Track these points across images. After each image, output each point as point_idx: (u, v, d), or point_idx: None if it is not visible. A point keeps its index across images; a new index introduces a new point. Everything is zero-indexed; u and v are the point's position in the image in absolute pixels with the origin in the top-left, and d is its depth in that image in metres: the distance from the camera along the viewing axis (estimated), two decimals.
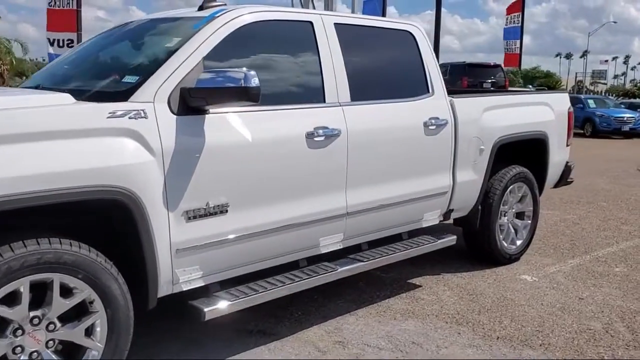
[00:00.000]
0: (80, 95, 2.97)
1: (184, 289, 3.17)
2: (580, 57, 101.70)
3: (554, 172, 5.70)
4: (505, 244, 5.27)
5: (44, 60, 21.37)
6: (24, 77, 20.15)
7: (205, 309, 3.15)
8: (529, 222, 5.48)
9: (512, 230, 5.35)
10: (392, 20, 4.62)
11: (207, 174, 3.09)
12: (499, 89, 20.31)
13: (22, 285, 2.56)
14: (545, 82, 48.41)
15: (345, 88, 3.84)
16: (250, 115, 3.32)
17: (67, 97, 2.84)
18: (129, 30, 4.02)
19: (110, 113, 2.81)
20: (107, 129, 2.77)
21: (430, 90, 4.45)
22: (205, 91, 3.01)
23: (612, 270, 5.24)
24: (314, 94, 3.76)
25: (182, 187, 3.01)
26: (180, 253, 3.05)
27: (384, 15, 26.80)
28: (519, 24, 31.79)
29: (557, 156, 5.68)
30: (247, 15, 3.49)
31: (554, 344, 3.72)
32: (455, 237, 4.72)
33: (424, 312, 4.19)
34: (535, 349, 3.66)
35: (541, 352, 3.62)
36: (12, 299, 2.57)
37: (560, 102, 5.76)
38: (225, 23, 3.38)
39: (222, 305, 3.21)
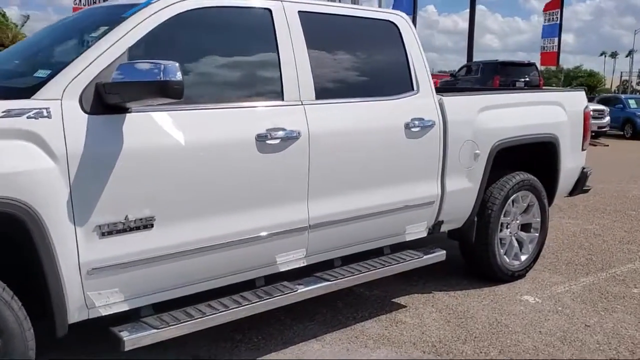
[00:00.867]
0: None
1: (103, 314, 2.76)
2: (626, 56, 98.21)
3: (566, 179, 5.12)
4: (507, 260, 4.72)
5: None
6: None
7: (125, 338, 2.73)
8: (537, 235, 4.91)
9: (516, 244, 4.79)
10: (372, 9, 4.12)
11: (126, 183, 2.68)
12: (532, 88, 19.59)
13: None
14: (586, 82, 46.82)
15: (309, 85, 3.38)
16: (185, 114, 2.89)
17: None
18: (71, 20, 3.64)
19: (4, 112, 2.41)
20: None
21: (415, 88, 3.95)
22: (120, 86, 2.59)
23: (629, 292, 4.64)
24: (270, 92, 3.31)
25: (92, 199, 2.59)
26: (93, 274, 2.64)
27: (415, 12, 26.23)
28: (558, 21, 30.74)
29: (571, 162, 5.09)
30: (189, 0, 3.06)
31: None
32: (444, 252, 4.20)
33: (401, 338, 3.70)
34: None
35: None
36: None
37: (575, 101, 5.17)
38: (162, 9, 2.96)
39: (146, 333, 2.79)
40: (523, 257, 4.84)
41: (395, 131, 3.76)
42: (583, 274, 5.04)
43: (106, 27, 2.91)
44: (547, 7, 30.43)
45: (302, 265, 3.48)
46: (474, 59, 26.81)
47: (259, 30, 3.33)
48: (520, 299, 4.41)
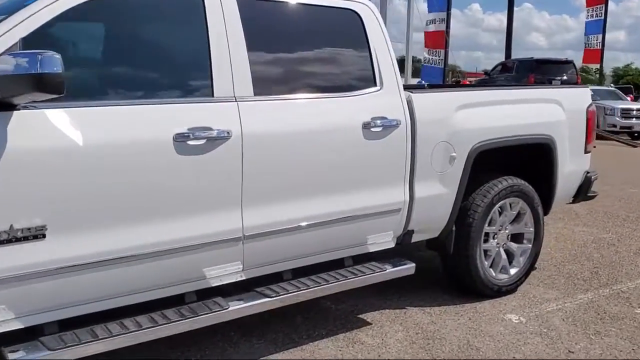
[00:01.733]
0: None
1: None
2: None
3: (565, 185, 4.64)
4: (493, 273, 4.28)
5: None
6: None
7: (11, 358, 2.46)
8: (529, 246, 4.45)
9: (504, 256, 4.34)
10: None
11: (10, 188, 2.40)
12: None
13: None
14: (632, 80, 44.98)
15: (246, 79, 3.05)
16: (86, 112, 2.61)
17: None
18: None
19: None
20: None
21: (378, 84, 3.57)
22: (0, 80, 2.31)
23: (630, 313, 4.14)
24: (196, 87, 3.00)
25: None
26: None
27: (449, 9, 25.53)
28: (602, 17, 29.62)
29: (570, 165, 4.61)
30: None
31: None
32: (413, 265, 3.80)
33: None
34: None
35: None
36: None
37: (576, 98, 4.70)
38: None
39: (37, 356, 2.51)
40: (512, 271, 4.39)
41: (351, 131, 3.39)
42: (582, 290, 4.55)
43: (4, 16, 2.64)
44: (590, 2, 29.34)
45: (239, 279, 3.16)
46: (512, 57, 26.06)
47: (187, 17, 3.02)
48: (503, 318, 3.97)
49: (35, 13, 2.56)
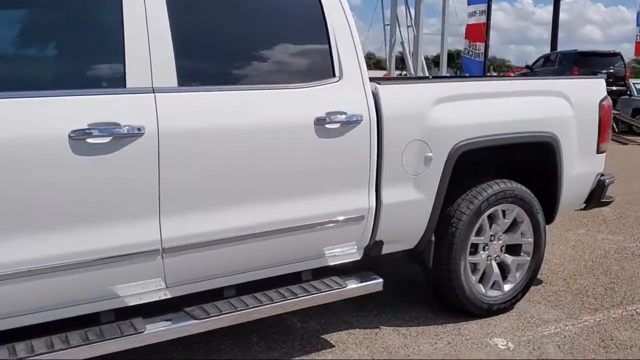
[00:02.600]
0: None
1: None
2: None
3: (573, 189, 4.07)
4: (482, 289, 3.77)
5: None
6: None
7: None
8: (527, 258, 3.91)
9: (496, 270, 3.82)
10: None
11: None
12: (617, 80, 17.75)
13: None
14: None
15: (169, 67, 2.65)
16: None
17: None
18: None
19: None
20: None
21: (338, 75, 3.11)
22: None
23: None
24: (105, 76, 2.62)
25: None
26: None
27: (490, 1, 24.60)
28: None
29: (579, 167, 4.04)
30: None
31: None
32: (380, 281, 3.33)
33: None
34: None
35: None
36: None
37: (586, 91, 4.12)
38: None
39: None
40: (507, 287, 3.86)
41: (301, 128, 2.94)
42: (590, 310, 3.98)
43: None
44: None
45: (163, 297, 2.76)
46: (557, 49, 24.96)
47: None
48: (488, 343, 3.46)
49: None
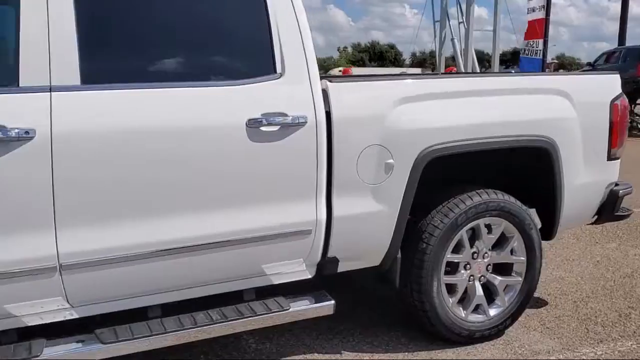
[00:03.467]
0: None
1: None
2: None
3: (577, 201, 3.56)
4: (462, 314, 3.33)
5: None
6: None
7: None
8: (519, 279, 3.44)
9: (479, 292, 3.37)
10: None
11: None
12: None
13: None
14: None
15: (71, 63, 2.38)
16: None
17: None
18: None
19: None
20: None
21: (279, 70, 2.75)
22: None
23: None
24: None
25: None
26: None
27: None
28: None
29: (584, 176, 3.54)
30: None
31: None
32: (332, 303, 2.97)
33: None
34: None
35: None
36: None
37: (593, 89, 3.60)
38: None
39: None
40: (493, 311, 3.40)
41: (228, 131, 2.62)
42: (593, 341, 3.47)
43: None
44: None
45: (68, 318, 2.50)
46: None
47: None
48: None
49: None
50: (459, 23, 17.40)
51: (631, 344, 3.43)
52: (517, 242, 3.40)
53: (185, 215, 2.57)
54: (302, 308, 2.90)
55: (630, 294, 4.21)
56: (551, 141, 3.33)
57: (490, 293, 3.42)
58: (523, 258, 3.42)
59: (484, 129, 3.15)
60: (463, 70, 17.15)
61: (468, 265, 3.32)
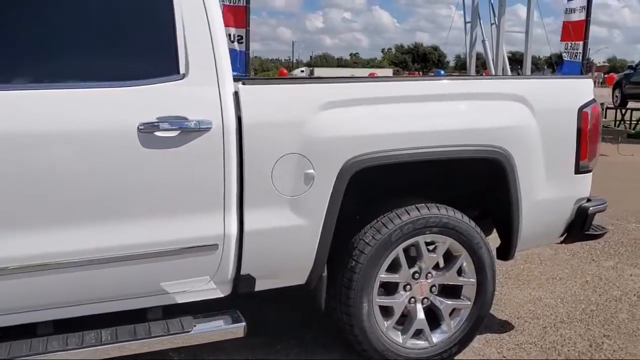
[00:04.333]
0: None
1: None
2: None
3: (539, 218, 3.23)
4: (399, 339, 3.04)
5: None
6: None
7: None
8: (468, 303, 3.14)
9: (420, 316, 3.08)
10: None
11: None
12: None
13: None
14: None
15: None
16: None
17: None
18: None
19: None
20: None
21: (182, 70, 2.53)
22: None
23: None
24: None
25: None
26: None
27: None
28: None
29: (546, 191, 3.21)
30: None
31: None
32: (242, 325, 2.72)
33: None
34: None
35: None
36: None
37: (557, 94, 3.27)
38: None
39: None
40: (436, 337, 3.11)
41: (116, 137, 2.41)
42: None
43: None
44: None
45: None
46: None
47: None
48: None
49: None
50: (492, 24, 16.80)
51: None
52: (465, 262, 3.09)
53: (67, 227, 2.37)
54: (208, 330, 2.67)
55: (611, 320, 3.83)
56: (504, 152, 3.02)
57: (436, 317, 3.12)
58: (473, 280, 3.12)
59: (421, 138, 2.86)
60: (494, 73, 16.60)
61: (409, 286, 3.04)
